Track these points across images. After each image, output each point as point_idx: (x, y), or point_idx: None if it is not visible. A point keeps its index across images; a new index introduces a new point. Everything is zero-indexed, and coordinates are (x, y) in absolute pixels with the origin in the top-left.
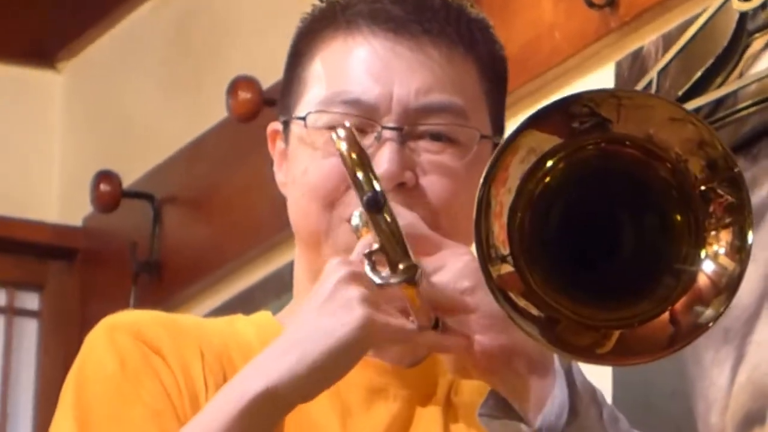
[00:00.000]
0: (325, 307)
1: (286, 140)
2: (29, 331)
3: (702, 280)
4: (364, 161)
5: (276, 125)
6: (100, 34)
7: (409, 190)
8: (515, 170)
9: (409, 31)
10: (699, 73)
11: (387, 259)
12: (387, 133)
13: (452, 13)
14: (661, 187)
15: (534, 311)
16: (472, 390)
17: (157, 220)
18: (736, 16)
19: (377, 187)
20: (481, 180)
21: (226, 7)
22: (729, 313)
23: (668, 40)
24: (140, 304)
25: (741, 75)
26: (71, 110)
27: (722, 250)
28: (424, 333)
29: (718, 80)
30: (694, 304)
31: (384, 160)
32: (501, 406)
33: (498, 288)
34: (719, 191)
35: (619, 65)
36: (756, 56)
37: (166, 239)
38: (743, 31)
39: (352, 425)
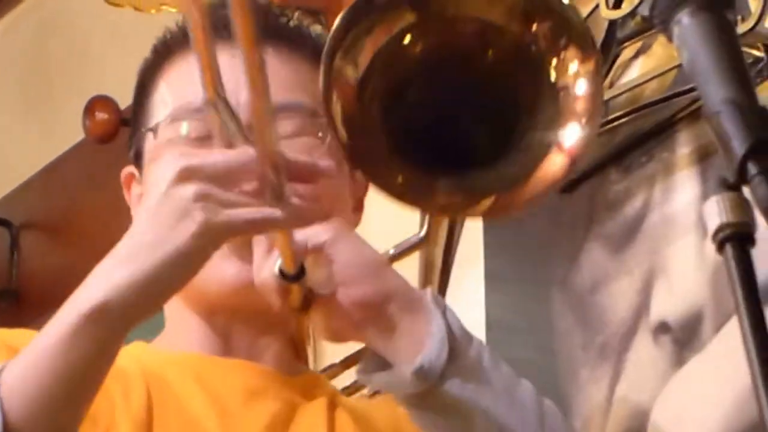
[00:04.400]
0: (158, 212)
1: (141, 177)
2: None
3: (570, 106)
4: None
5: (130, 169)
6: None
7: None
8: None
9: None
10: None
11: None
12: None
13: (276, 18)
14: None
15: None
16: (356, 402)
17: (14, 246)
18: (605, 25)
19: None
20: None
21: (83, 27)
22: (605, 329)
23: None
24: None
25: (612, 84)
26: None
27: (573, 69)
28: (280, 209)
29: None
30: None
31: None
32: (379, 361)
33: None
34: (541, 25)
35: None
36: (626, 65)
37: (24, 266)
38: (613, 39)
39: (231, 424)
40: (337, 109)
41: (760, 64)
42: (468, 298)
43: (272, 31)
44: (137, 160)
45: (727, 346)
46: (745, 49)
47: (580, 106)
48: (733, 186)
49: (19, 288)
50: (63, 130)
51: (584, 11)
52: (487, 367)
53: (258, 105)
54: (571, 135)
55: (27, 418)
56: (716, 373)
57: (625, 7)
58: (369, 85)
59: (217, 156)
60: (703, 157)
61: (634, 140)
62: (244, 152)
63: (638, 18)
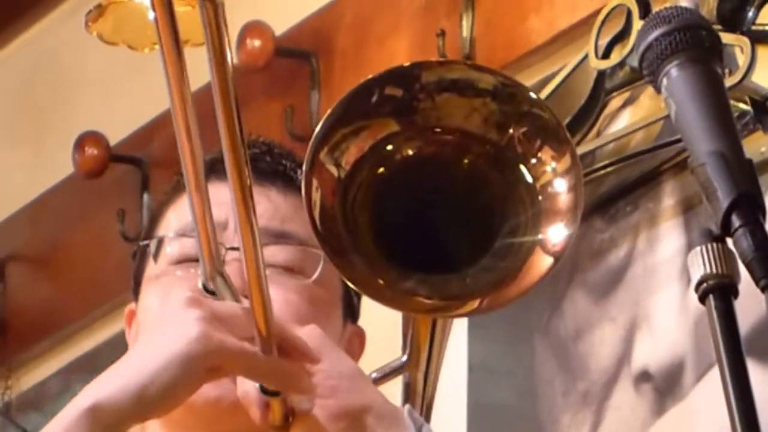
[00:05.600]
0: (163, 327)
1: (137, 301)
2: None
3: (551, 206)
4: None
5: (131, 306)
6: None
7: None
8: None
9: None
10: None
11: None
12: (232, 254)
13: (286, 155)
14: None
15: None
16: None
17: (1, 278)
18: (594, 75)
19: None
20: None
21: (73, 62)
22: (587, 376)
23: None
24: None
25: (599, 134)
26: None
27: (549, 168)
28: (268, 358)
29: (576, 138)
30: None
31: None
32: None
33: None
34: (515, 131)
35: None
36: (613, 115)
37: (10, 298)
38: (601, 89)
39: None
40: (316, 206)
41: (746, 117)
42: (450, 342)
43: (278, 171)
44: (136, 289)
45: (708, 396)
46: (731, 102)
47: (561, 203)
48: (717, 237)
49: (5, 320)
50: (52, 164)
51: (573, 61)
52: None
53: (247, 242)
54: (554, 234)
55: None
56: (696, 424)
57: (614, 58)
58: (351, 189)
59: (221, 303)
60: (687, 208)
61: (619, 190)
62: (243, 308)
63: (627, 69)
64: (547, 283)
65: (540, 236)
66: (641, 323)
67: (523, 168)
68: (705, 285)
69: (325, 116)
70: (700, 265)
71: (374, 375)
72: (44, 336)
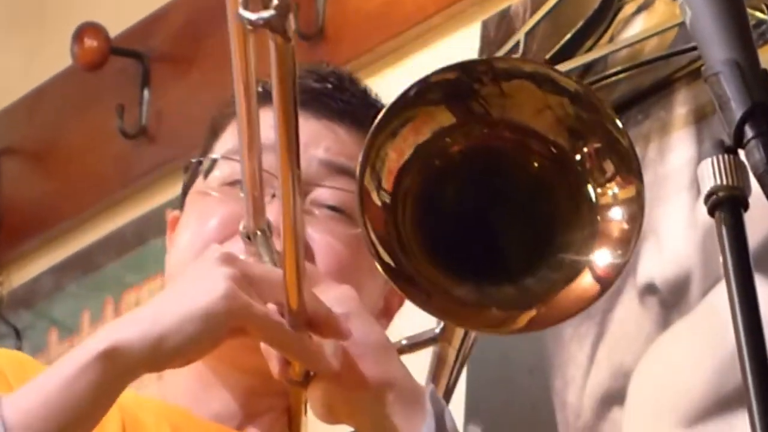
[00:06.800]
0: (192, 279)
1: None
2: None
3: (607, 230)
4: None
5: (176, 213)
6: None
7: None
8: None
9: (320, 102)
10: (568, 36)
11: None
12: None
13: (357, 93)
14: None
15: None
16: None
17: None
18: None
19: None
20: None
21: None
22: None
23: (537, 0)
24: None
25: (611, 39)
26: None
27: (613, 193)
28: (292, 333)
29: (588, 44)
30: (608, 250)
31: (275, 210)
32: None
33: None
34: (588, 145)
35: (485, 25)
36: (627, 21)
37: (4, 193)
38: None
39: None
40: (370, 225)
41: (763, 26)
42: None
43: (346, 111)
44: (183, 198)
45: (714, 311)
46: (748, 10)
47: (618, 231)
48: (729, 149)
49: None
50: (50, 55)
51: None
52: None
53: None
54: (605, 259)
55: None
56: (701, 338)
57: None
58: (402, 189)
59: (255, 263)
60: (700, 117)
61: (631, 97)
62: (278, 272)
63: None
64: None
65: (592, 258)
66: (648, 234)
67: (587, 184)
68: (714, 197)
69: (381, 113)
70: (710, 177)
71: (404, 342)
72: (37, 232)
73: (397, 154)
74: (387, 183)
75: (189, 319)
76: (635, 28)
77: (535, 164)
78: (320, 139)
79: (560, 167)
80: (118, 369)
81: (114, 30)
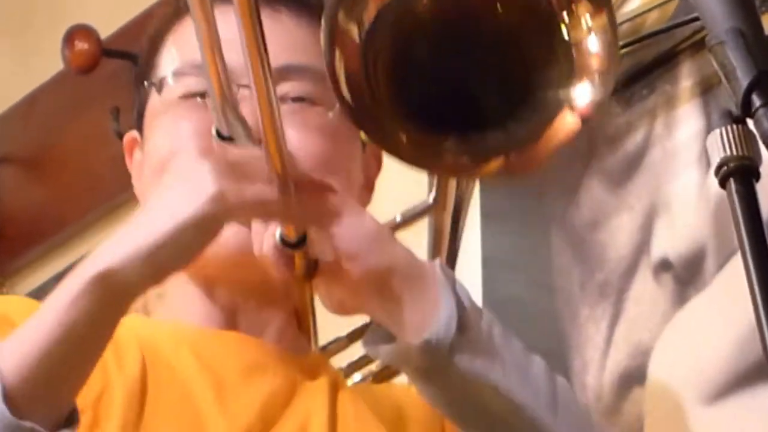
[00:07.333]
0: (174, 184)
1: (142, 139)
2: None
3: (584, 62)
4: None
5: (133, 134)
6: None
7: None
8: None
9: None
10: None
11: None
12: (244, 92)
13: None
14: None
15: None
16: (358, 387)
17: None
18: None
19: None
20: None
21: None
22: (605, 267)
23: None
24: None
25: None
26: None
27: (585, 24)
28: (287, 198)
29: None
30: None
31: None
32: (385, 334)
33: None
34: None
35: None
36: None
37: (2, 203)
38: None
39: (228, 398)
40: (340, 69)
41: None
42: (464, 235)
43: None
44: (139, 120)
45: (730, 284)
46: None
47: (594, 63)
48: (737, 118)
49: None
50: (41, 60)
51: None
52: (498, 343)
53: (257, 74)
54: (584, 93)
55: (24, 381)
56: (719, 313)
57: None
58: (373, 43)
59: (235, 148)
60: (706, 89)
61: (635, 72)
62: (258, 151)
63: None
64: (561, 173)
65: (570, 93)
66: (660, 210)
67: (557, 20)
68: (725, 168)
69: None
70: (719, 148)
71: (398, 219)
72: (39, 241)
73: (374, 1)
74: (364, 22)
75: (183, 229)
76: (635, 2)
77: (503, 11)
78: (269, 41)
79: (528, 9)
80: (115, 291)
81: (105, 31)
